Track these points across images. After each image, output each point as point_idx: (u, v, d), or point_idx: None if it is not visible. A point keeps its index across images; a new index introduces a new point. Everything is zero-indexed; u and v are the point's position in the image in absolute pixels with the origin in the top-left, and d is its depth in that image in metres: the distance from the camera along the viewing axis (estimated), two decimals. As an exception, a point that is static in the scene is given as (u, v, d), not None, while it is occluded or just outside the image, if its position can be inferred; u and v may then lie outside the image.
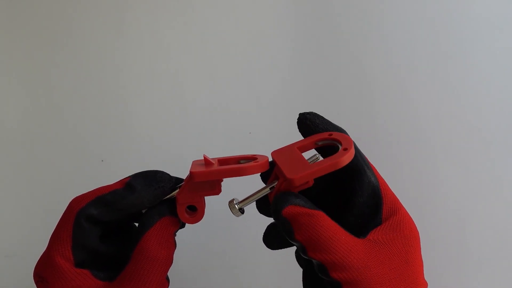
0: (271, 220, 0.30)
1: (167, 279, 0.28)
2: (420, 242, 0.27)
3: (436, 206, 0.45)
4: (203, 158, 0.28)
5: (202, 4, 0.48)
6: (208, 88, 0.47)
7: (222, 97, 0.47)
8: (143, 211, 0.28)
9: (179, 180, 0.28)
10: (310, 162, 0.27)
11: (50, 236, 0.47)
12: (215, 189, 0.27)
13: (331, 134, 0.28)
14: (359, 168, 0.27)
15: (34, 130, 0.48)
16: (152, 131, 0.47)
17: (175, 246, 0.28)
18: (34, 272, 0.27)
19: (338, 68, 0.46)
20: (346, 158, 0.25)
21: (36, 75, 0.48)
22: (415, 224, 0.27)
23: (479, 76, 0.45)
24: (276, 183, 0.27)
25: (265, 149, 0.30)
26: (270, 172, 0.29)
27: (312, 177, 0.26)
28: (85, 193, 0.27)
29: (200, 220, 0.28)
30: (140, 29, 0.48)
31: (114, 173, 0.47)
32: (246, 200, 0.28)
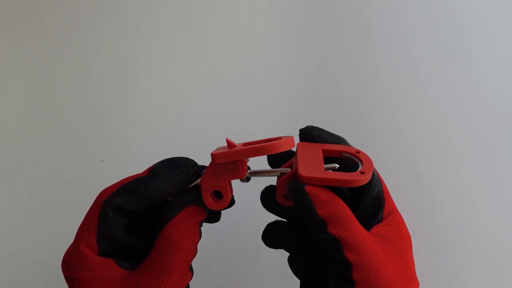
0: (269, 220, 0.30)
1: (191, 270, 0.28)
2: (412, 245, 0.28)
3: (436, 206, 0.45)
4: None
5: (202, 4, 0.48)
6: (208, 88, 0.47)
7: (222, 97, 0.47)
8: (169, 199, 0.28)
9: (204, 167, 0.28)
10: (326, 168, 0.27)
11: (49, 236, 0.47)
12: (239, 172, 0.26)
13: (358, 152, 0.28)
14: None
15: (34, 130, 0.48)
16: (152, 131, 0.47)
17: (200, 237, 0.27)
18: (62, 260, 0.27)
19: (338, 68, 0.46)
20: (359, 181, 0.25)
21: (36, 75, 0.48)
22: (407, 228, 0.29)
23: (480, 76, 0.45)
24: (289, 171, 0.27)
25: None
26: (284, 158, 0.29)
27: (321, 183, 0.26)
28: (111, 184, 0.27)
29: (225, 206, 0.27)
30: (140, 29, 0.48)
31: (114, 173, 0.47)
32: (257, 172, 0.28)
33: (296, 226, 0.29)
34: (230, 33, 0.47)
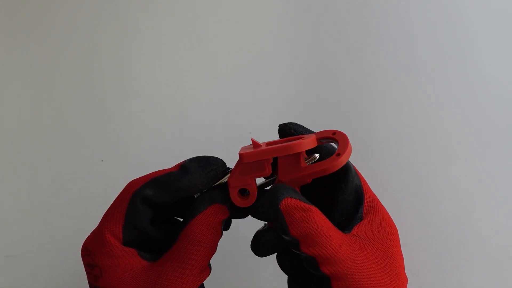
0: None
1: (209, 266, 0.28)
2: (399, 238, 0.28)
3: (436, 206, 0.44)
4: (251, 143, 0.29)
5: (202, 4, 0.48)
6: (208, 87, 0.47)
7: (222, 97, 0.47)
8: (196, 196, 0.29)
9: (230, 168, 0.29)
10: (307, 161, 0.27)
11: (49, 236, 0.47)
12: (265, 170, 0.27)
13: (334, 133, 0.28)
14: (346, 167, 0.28)
15: (34, 130, 0.48)
16: (152, 131, 0.47)
17: (221, 235, 0.28)
18: (82, 246, 0.28)
19: (338, 67, 0.46)
20: (337, 165, 0.26)
21: (36, 74, 0.48)
22: (393, 221, 0.28)
23: (480, 76, 0.45)
24: (275, 178, 0.28)
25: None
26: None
27: (301, 182, 0.27)
28: (141, 176, 0.28)
29: (252, 203, 0.28)
30: (140, 29, 0.48)
31: (114, 173, 0.47)
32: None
33: None
34: (230, 33, 0.47)
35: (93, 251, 0.27)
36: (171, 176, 0.27)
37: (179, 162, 0.29)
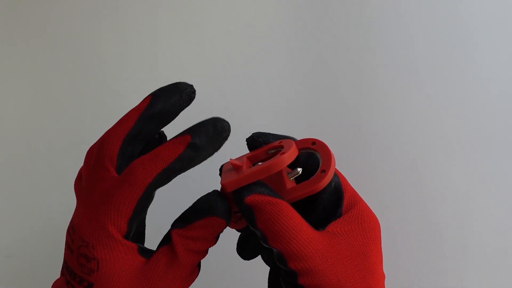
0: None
1: (198, 266, 0.28)
2: (380, 235, 0.27)
3: (436, 206, 0.44)
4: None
5: (202, 4, 0.48)
6: (207, 88, 0.47)
7: (222, 97, 0.47)
8: None
9: None
10: (290, 177, 0.26)
11: (49, 236, 0.47)
12: None
13: (314, 143, 0.27)
14: None
15: (34, 129, 0.48)
16: (152, 131, 0.47)
17: (216, 242, 0.27)
18: (76, 234, 0.26)
19: (338, 67, 0.46)
20: (322, 184, 0.25)
21: (36, 74, 0.48)
22: (375, 217, 0.27)
23: (480, 76, 0.45)
24: None
25: (265, 149, 0.30)
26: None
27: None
28: (145, 164, 0.25)
29: (245, 225, 0.27)
30: (139, 29, 0.48)
31: (114, 173, 0.47)
32: None
33: None
34: (230, 33, 0.47)
35: (91, 243, 0.25)
36: (184, 161, 0.25)
37: (180, 135, 0.26)
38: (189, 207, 0.27)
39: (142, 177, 0.25)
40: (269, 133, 0.29)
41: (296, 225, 0.25)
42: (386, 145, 0.45)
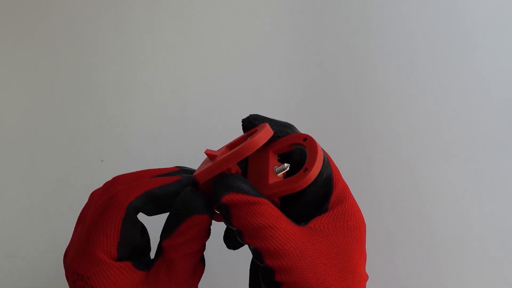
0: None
1: (202, 261, 0.28)
2: (365, 234, 0.26)
3: (436, 206, 0.44)
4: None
5: (202, 4, 0.48)
6: (207, 88, 0.47)
7: (222, 97, 0.47)
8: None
9: None
10: (277, 172, 0.25)
11: (49, 236, 0.47)
12: None
13: (305, 139, 0.25)
14: None
15: (34, 130, 0.48)
16: (152, 131, 0.47)
17: (209, 236, 0.27)
18: (69, 270, 0.26)
19: (338, 68, 0.46)
20: (303, 183, 0.24)
21: (36, 74, 0.48)
22: (362, 216, 0.27)
23: (479, 76, 0.45)
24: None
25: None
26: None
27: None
28: (128, 186, 0.26)
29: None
30: (140, 29, 0.48)
31: (114, 173, 0.47)
32: None
33: None
34: (230, 32, 0.47)
35: (86, 275, 0.25)
36: (168, 192, 0.26)
37: (173, 167, 0.27)
38: (169, 213, 0.26)
39: (120, 197, 0.25)
40: (267, 117, 0.28)
41: (274, 222, 0.24)
42: (385, 145, 0.45)
